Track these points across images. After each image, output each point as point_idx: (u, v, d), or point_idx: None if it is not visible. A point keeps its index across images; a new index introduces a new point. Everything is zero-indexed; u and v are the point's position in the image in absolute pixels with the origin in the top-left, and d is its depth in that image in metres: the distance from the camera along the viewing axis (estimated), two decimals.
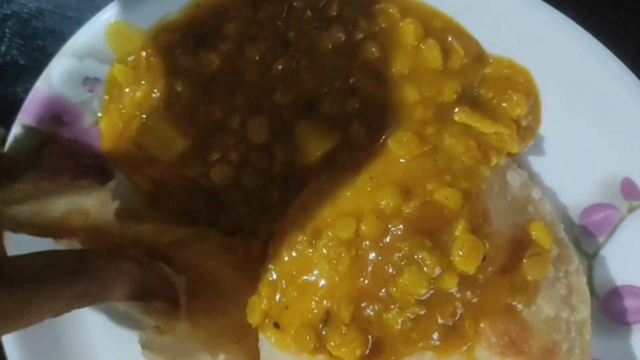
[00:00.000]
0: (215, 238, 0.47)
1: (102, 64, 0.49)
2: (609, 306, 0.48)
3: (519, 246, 0.42)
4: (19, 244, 0.44)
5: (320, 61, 0.48)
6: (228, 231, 0.48)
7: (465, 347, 0.40)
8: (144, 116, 0.49)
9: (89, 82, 0.49)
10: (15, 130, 0.49)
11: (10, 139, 0.49)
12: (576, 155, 0.47)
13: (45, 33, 0.61)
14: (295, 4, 0.48)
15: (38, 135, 0.49)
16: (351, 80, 0.47)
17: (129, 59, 0.49)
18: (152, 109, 0.49)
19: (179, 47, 0.49)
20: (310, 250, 0.42)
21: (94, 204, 0.45)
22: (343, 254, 0.41)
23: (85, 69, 0.49)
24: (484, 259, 0.40)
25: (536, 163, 0.48)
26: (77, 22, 0.58)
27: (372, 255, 0.41)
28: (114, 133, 0.50)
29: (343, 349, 0.40)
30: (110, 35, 0.48)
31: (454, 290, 0.40)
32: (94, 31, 0.48)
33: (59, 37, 0.59)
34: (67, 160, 0.50)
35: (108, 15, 0.48)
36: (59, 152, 0.50)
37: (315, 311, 0.41)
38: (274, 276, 0.43)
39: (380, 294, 0.40)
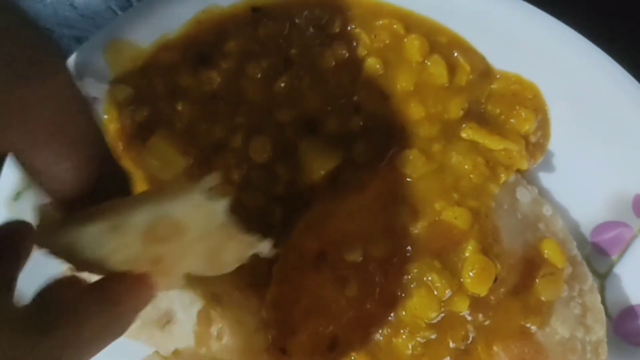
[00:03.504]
0: None
1: (101, 83, 0.48)
2: (622, 326, 0.47)
3: (531, 265, 0.42)
4: None
5: (323, 78, 0.47)
6: None
7: None
8: (144, 135, 0.49)
9: (88, 101, 0.49)
10: None
11: None
12: (587, 172, 0.46)
13: None
14: (297, 20, 0.47)
15: None
16: (355, 98, 0.47)
17: (129, 77, 0.48)
18: (152, 128, 0.48)
19: (179, 66, 0.48)
20: (316, 273, 0.41)
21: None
22: (350, 277, 0.40)
23: (84, 88, 0.48)
24: (495, 280, 0.40)
25: (546, 180, 0.47)
26: (77, 41, 0.58)
27: (379, 277, 0.40)
28: (114, 153, 0.49)
29: None
30: (109, 54, 0.48)
31: (465, 313, 0.39)
32: (93, 50, 0.47)
33: None
34: None
35: (107, 33, 0.47)
36: None
37: (323, 336, 0.40)
38: (279, 300, 0.42)
39: (390, 317, 0.39)
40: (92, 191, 0.32)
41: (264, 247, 0.36)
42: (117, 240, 0.31)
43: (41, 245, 0.31)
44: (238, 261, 0.36)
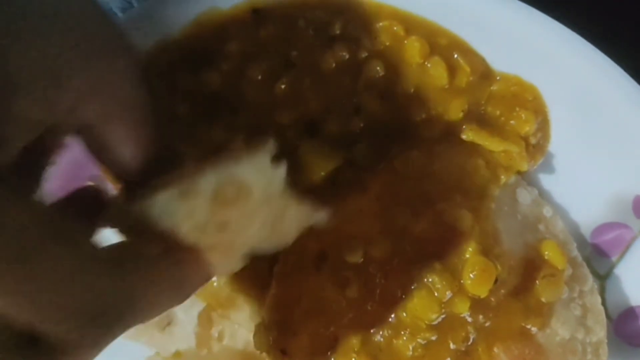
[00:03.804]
0: None
1: None
2: (622, 328, 0.46)
3: (532, 267, 0.42)
4: None
5: (323, 80, 0.47)
6: None
7: None
8: None
9: None
10: None
11: None
12: (587, 173, 0.46)
13: None
14: (297, 22, 0.47)
15: None
16: (355, 99, 0.47)
17: None
18: None
19: (179, 67, 0.48)
20: (317, 275, 0.41)
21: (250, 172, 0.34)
22: (351, 278, 0.40)
23: None
24: (496, 281, 0.39)
25: (546, 181, 0.47)
26: None
27: (380, 279, 0.40)
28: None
29: None
30: None
31: (465, 314, 0.39)
32: None
33: None
34: (65, 182, 0.49)
35: None
36: (59, 175, 0.49)
37: (323, 337, 0.40)
38: (280, 301, 0.42)
39: (390, 319, 0.39)
40: (150, 170, 0.33)
41: (321, 217, 0.38)
42: (187, 205, 0.32)
43: (113, 223, 0.33)
44: (298, 230, 0.38)
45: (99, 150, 0.33)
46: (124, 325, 0.28)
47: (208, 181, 0.33)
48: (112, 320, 0.27)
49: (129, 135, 0.32)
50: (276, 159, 0.35)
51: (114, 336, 0.28)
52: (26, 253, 0.23)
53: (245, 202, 0.34)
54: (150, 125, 0.33)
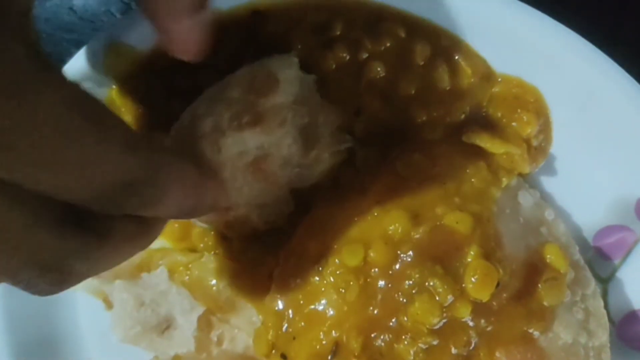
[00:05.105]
0: (221, 264, 0.46)
1: (100, 87, 0.48)
2: (624, 331, 0.46)
3: (534, 270, 0.41)
4: None
5: (324, 82, 0.47)
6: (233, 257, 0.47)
7: None
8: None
9: None
10: None
11: None
12: (589, 176, 0.46)
13: None
14: (298, 24, 0.47)
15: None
16: (356, 101, 0.46)
17: (128, 80, 0.48)
18: (152, 130, 0.48)
19: (178, 69, 0.48)
20: (317, 278, 0.41)
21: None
22: (351, 282, 0.40)
23: None
24: (497, 285, 0.39)
25: (548, 184, 0.47)
26: (76, 44, 0.57)
27: (381, 283, 0.39)
28: None
29: None
30: (109, 57, 0.47)
31: (467, 318, 0.39)
32: (93, 53, 0.47)
33: (57, 60, 0.58)
34: None
35: (107, 37, 0.47)
36: None
37: (324, 342, 0.40)
38: (280, 305, 0.42)
39: (391, 323, 0.39)
40: None
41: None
42: (226, 95, 0.38)
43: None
44: (330, 153, 0.43)
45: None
46: (153, 206, 0.30)
47: (242, 73, 0.39)
48: (143, 197, 0.29)
49: None
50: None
51: (150, 213, 0.30)
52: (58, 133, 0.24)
53: (275, 94, 0.39)
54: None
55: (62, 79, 0.25)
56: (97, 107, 0.26)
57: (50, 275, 0.27)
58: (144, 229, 0.31)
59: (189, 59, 0.40)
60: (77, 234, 0.27)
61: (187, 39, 0.39)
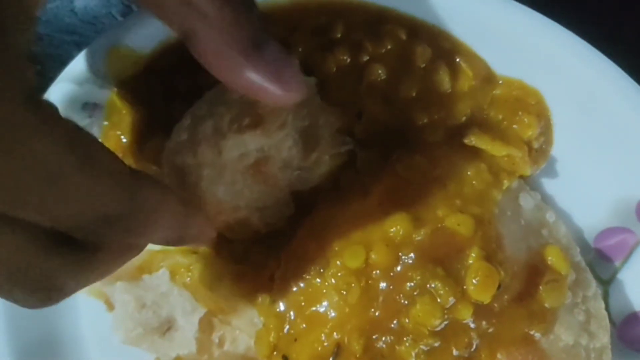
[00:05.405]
0: (222, 266, 0.46)
1: (101, 89, 0.48)
2: (626, 333, 0.46)
3: (535, 272, 0.41)
4: None
5: (324, 84, 0.47)
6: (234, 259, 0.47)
7: None
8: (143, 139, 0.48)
9: (89, 107, 0.48)
10: None
11: None
12: (590, 178, 0.46)
13: (44, 57, 0.60)
14: (298, 26, 0.47)
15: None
16: (357, 103, 0.46)
17: (130, 83, 0.48)
18: (152, 132, 0.48)
19: (178, 71, 0.48)
20: (318, 280, 0.41)
21: None
22: (353, 284, 0.40)
23: (84, 94, 0.48)
24: (499, 287, 0.39)
25: (549, 186, 0.47)
26: (77, 46, 0.57)
27: (382, 285, 0.39)
28: None
29: None
30: (110, 60, 0.47)
31: (469, 320, 0.39)
32: (94, 55, 0.47)
33: (58, 62, 0.58)
34: None
35: (108, 39, 0.47)
36: None
37: (326, 344, 0.40)
38: (282, 307, 0.42)
39: (392, 325, 0.39)
40: None
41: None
42: (226, 98, 0.39)
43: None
44: (330, 155, 0.43)
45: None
46: (137, 236, 0.31)
47: None
48: (128, 229, 0.29)
49: None
50: None
51: (134, 241, 0.32)
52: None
53: None
54: None
55: (56, 118, 0.25)
56: (88, 143, 0.27)
57: (40, 293, 0.28)
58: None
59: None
60: (65, 252, 0.28)
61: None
